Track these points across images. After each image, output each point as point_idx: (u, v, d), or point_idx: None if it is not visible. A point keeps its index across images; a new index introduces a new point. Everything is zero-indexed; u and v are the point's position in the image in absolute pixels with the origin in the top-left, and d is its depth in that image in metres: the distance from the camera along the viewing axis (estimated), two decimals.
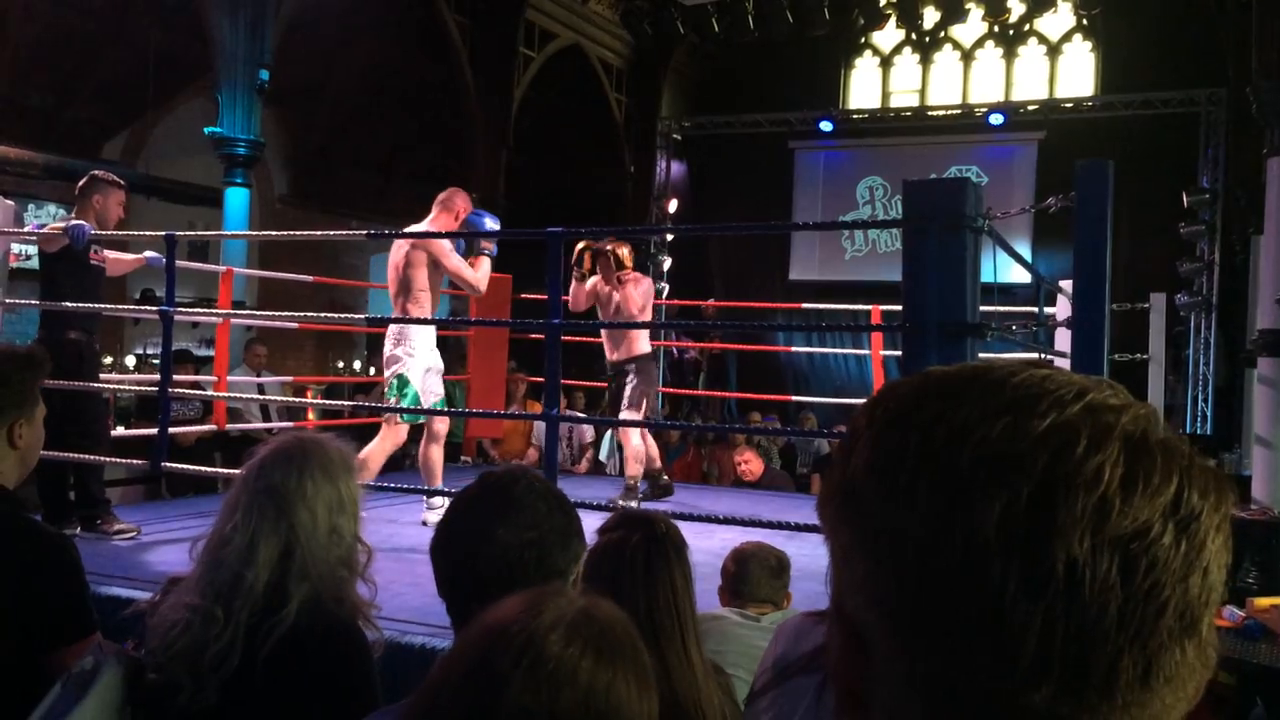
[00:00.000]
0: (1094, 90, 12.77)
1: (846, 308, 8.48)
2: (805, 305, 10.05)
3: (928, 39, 13.78)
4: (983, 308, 3.29)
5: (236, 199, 9.46)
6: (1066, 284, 5.06)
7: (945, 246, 3.16)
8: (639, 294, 5.72)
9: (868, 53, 14.22)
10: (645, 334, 5.93)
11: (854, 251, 13.47)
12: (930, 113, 13.17)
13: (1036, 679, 0.45)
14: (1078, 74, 13.15)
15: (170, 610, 1.64)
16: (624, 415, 5.69)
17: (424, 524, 4.87)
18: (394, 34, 11.80)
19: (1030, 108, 12.66)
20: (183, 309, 5.92)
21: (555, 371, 3.97)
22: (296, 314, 8.53)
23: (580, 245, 5.71)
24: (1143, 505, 0.45)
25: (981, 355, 3.30)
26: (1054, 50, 13.35)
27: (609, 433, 7.88)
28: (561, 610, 0.86)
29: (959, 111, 13.07)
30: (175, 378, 5.31)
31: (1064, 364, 3.81)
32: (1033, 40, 13.43)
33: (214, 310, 6.80)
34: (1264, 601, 4.14)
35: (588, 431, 8.19)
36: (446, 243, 4.86)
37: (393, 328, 4.88)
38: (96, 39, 10.59)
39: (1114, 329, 4.42)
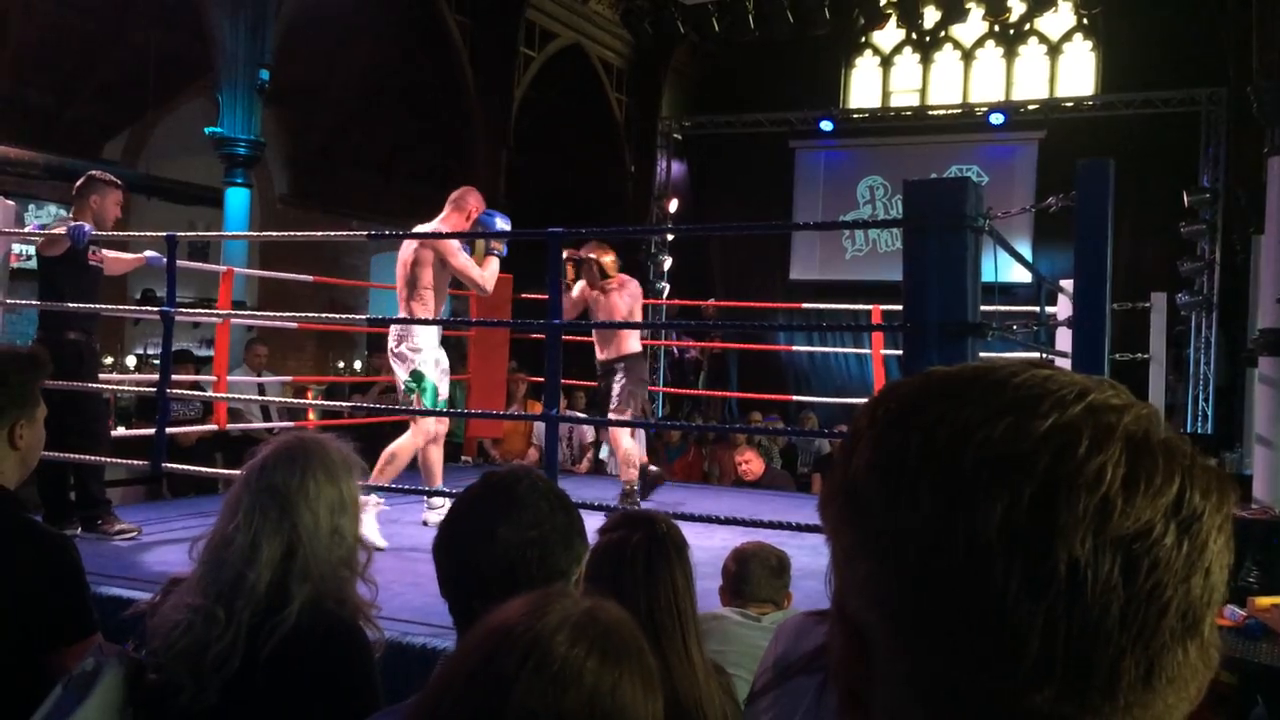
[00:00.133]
0: (1094, 90, 12.77)
1: (847, 307, 8.48)
2: (806, 305, 10.04)
3: (928, 38, 13.78)
4: (983, 307, 3.28)
5: (237, 199, 9.46)
6: (1067, 283, 5.06)
7: (946, 246, 3.16)
8: (625, 300, 5.72)
9: (868, 52, 14.21)
10: (635, 334, 5.94)
11: (854, 251, 13.46)
12: (931, 112, 13.17)
13: (1039, 679, 0.45)
14: (1078, 73, 13.14)
15: (171, 610, 1.64)
16: (613, 417, 5.70)
17: (424, 524, 4.88)
18: (394, 34, 11.80)
19: (1031, 107, 12.65)
20: (183, 309, 5.92)
21: (555, 371, 3.97)
22: (297, 314, 8.53)
23: (564, 255, 5.64)
24: (1145, 506, 0.45)
25: (982, 355, 3.30)
26: (1054, 50, 13.34)
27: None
28: (567, 611, 0.86)
29: (959, 111, 13.07)
30: (175, 378, 5.31)
31: (1065, 364, 3.81)
32: (1033, 40, 13.42)
33: (214, 310, 6.79)
34: (1265, 601, 4.14)
35: (588, 432, 8.19)
36: (454, 241, 4.86)
37: (396, 325, 4.89)
38: (96, 39, 10.59)
39: (1115, 328, 4.42)
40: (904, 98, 13.83)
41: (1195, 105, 11.43)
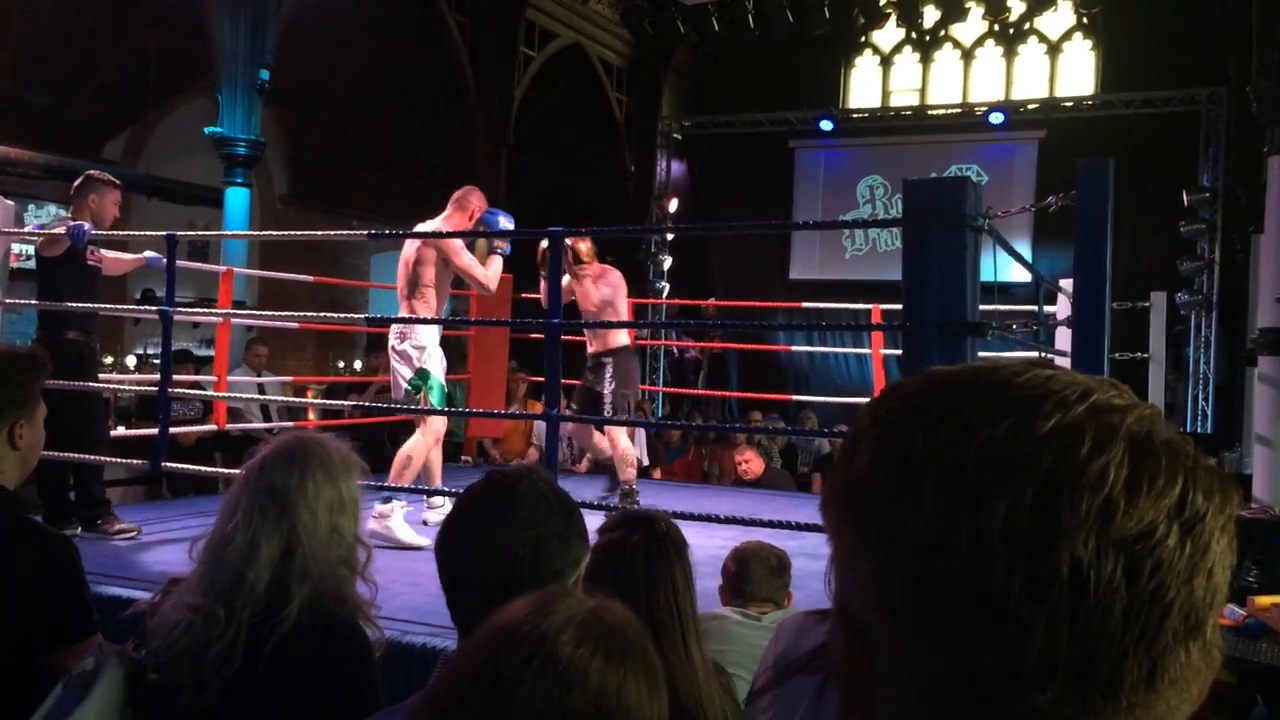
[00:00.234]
0: (1094, 89, 12.77)
1: (847, 307, 8.48)
2: (806, 304, 10.04)
3: (928, 38, 13.78)
4: (983, 307, 3.28)
5: (237, 199, 9.46)
6: (1067, 283, 5.06)
7: (945, 245, 3.16)
8: (602, 290, 5.65)
9: (868, 52, 14.21)
10: (623, 327, 5.92)
11: (854, 251, 13.46)
12: (930, 112, 13.17)
13: (1041, 680, 0.45)
14: (1078, 73, 13.14)
15: (171, 610, 1.64)
16: (610, 429, 5.69)
17: (425, 523, 4.88)
18: (394, 34, 11.80)
19: (1030, 107, 12.65)
20: (183, 309, 5.92)
21: (555, 371, 3.97)
22: (296, 314, 8.53)
23: (542, 244, 5.57)
24: (1147, 506, 0.45)
25: (982, 355, 3.30)
26: (1054, 49, 13.34)
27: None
28: (571, 611, 0.86)
29: (959, 110, 13.07)
30: (175, 378, 5.30)
31: (1064, 363, 3.81)
32: (1033, 39, 13.42)
33: (214, 310, 6.79)
34: (1265, 600, 4.14)
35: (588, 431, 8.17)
36: (457, 240, 4.85)
37: (396, 324, 4.88)
38: (96, 39, 10.59)
39: (1114, 328, 4.41)
40: (904, 97, 13.83)
41: (1195, 105, 11.43)
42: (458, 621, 1.38)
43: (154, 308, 5.01)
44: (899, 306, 3.34)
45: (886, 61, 14.13)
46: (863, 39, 14.06)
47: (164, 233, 4.81)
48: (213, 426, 6.25)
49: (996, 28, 13.35)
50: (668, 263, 13.07)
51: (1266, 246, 6.82)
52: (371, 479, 2.59)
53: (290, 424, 7.03)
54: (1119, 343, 7.56)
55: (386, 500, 4.54)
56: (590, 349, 5.87)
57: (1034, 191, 11.54)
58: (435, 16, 11.18)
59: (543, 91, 12.14)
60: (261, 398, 7.25)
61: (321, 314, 9.16)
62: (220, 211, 9.65)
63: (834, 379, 12.84)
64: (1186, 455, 0.47)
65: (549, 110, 12.58)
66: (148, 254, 5.20)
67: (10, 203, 5.11)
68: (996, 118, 12.29)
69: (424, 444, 4.77)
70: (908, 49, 14.01)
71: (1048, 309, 5.59)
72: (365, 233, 6.24)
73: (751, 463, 7.07)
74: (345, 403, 7.04)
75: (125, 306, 7.42)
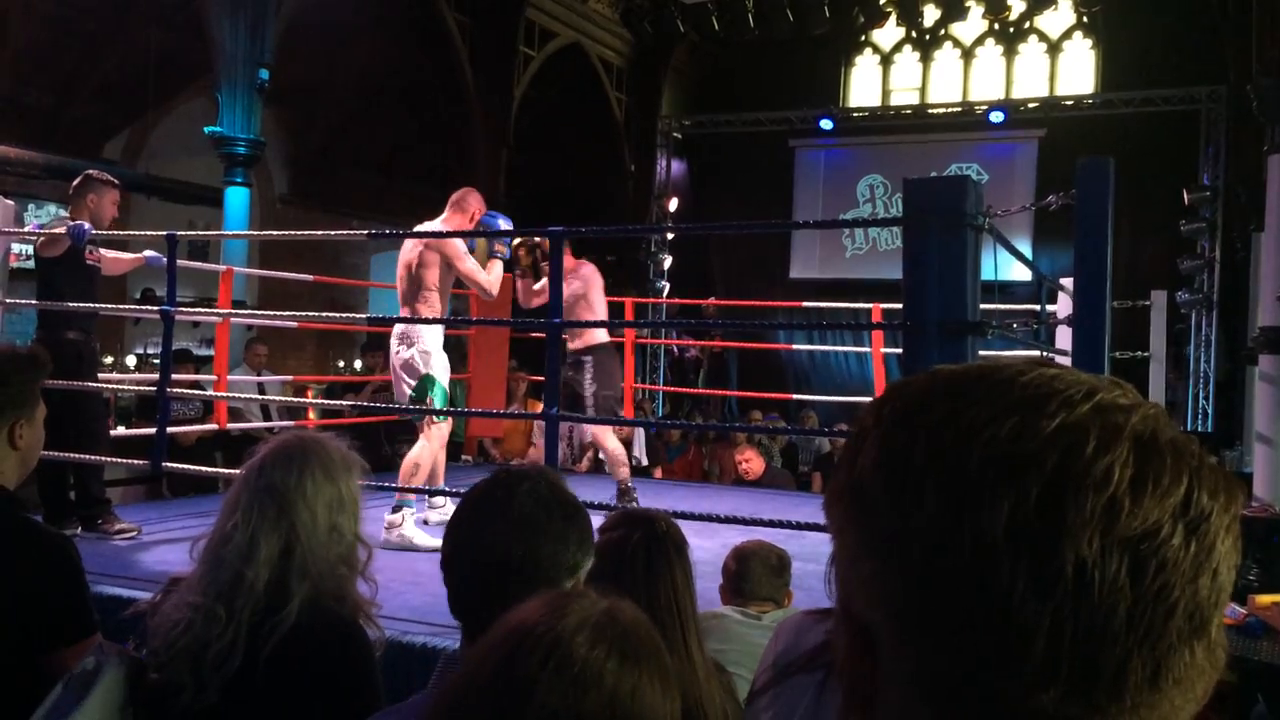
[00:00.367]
0: (1094, 88, 12.77)
1: (847, 306, 8.48)
2: (806, 304, 10.00)
3: (928, 37, 13.78)
4: (983, 305, 3.28)
5: (237, 198, 9.46)
6: (1067, 281, 5.06)
7: (945, 244, 3.15)
8: (570, 284, 5.41)
9: (868, 51, 14.22)
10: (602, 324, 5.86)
11: (854, 250, 13.46)
12: (930, 111, 13.18)
13: (1045, 680, 0.45)
14: (1078, 72, 13.15)
15: (172, 609, 1.64)
16: (596, 430, 5.66)
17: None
18: (394, 34, 11.79)
19: (1031, 105, 12.66)
20: (183, 309, 5.92)
21: (555, 371, 3.97)
22: (296, 314, 8.52)
23: (516, 242, 5.52)
24: (1152, 506, 0.45)
25: (983, 354, 3.30)
26: (1054, 48, 13.34)
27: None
28: (586, 612, 0.86)
29: (959, 109, 13.08)
30: (175, 377, 5.30)
31: (1065, 362, 3.81)
32: (1033, 38, 13.43)
33: (214, 310, 6.79)
34: (1265, 599, 4.14)
35: (589, 431, 8.17)
36: (460, 245, 4.83)
37: (399, 328, 4.85)
38: (96, 39, 10.59)
39: (1115, 327, 4.41)
40: (904, 96, 13.84)
41: (1195, 103, 11.43)
42: (459, 619, 1.38)
43: (155, 307, 5.01)
44: (899, 305, 3.33)
45: (886, 60, 14.13)
46: (863, 38, 14.06)
47: (164, 232, 4.81)
48: (213, 426, 6.25)
49: (996, 27, 13.36)
50: (668, 262, 13.08)
51: (1267, 245, 6.81)
52: (371, 478, 2.59)
53: (290, 423, 7.03)
54: (1119, 341, 7.55)
55: (395, 510, 4.53)
56: (570, 345, 5.82)
57: (1034, 190, 11.55)
58: (435, 16, 11.17)
59: (542, 91, 12.13)
60: (261, 397, 7.25)
61: (321, 314, 9.17)
62: (220, 211, 9.66)
63: (834, 378, 12.84)
64: (1191, 454, 0.47)
65: (549, 110, 12.58)
66: (148, 253, 5.19)
67: (10, 203, 5.11)
68: (997, 117, 12.29)
69: (430, 450, 4.75)
70: (908, 48, 14.01)
71: (1048, 308, 5.59)
72: (365, 233, 6.23)
73: (752, 462, 7.07)
74: (345, 403, 7.03)
75: (125, 306, 7.42)
